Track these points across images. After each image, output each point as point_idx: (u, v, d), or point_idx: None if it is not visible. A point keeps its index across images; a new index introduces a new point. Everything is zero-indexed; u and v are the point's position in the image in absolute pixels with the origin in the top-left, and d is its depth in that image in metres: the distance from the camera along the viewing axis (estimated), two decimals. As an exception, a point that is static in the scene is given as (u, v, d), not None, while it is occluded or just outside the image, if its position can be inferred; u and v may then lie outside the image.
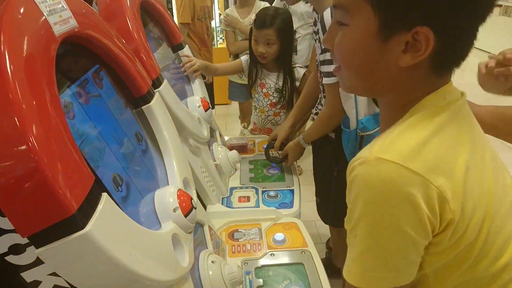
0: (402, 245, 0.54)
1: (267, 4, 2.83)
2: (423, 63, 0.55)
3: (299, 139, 1.55)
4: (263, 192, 1.38)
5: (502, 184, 0.63)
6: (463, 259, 0.58)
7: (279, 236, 1.15)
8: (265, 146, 1.70)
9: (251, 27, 1.77)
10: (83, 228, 0.51)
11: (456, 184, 0.53)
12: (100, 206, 0.56)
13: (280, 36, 1.71)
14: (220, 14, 5.09)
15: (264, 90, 1.87)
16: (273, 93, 1.86)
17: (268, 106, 1.88)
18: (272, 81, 1.85)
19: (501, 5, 6.02)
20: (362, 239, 0.56)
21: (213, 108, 3.02)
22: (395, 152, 0.52)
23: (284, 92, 1.83)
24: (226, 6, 5.10)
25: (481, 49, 6.57)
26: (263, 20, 1.71)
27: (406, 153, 0.52)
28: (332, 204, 1.61)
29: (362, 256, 0.56)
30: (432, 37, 0.52)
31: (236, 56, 2.92)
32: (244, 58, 1.90)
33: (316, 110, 1.59)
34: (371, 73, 0.59)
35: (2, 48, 0.53)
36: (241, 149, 1.70)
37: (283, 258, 1.09)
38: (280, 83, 1.83)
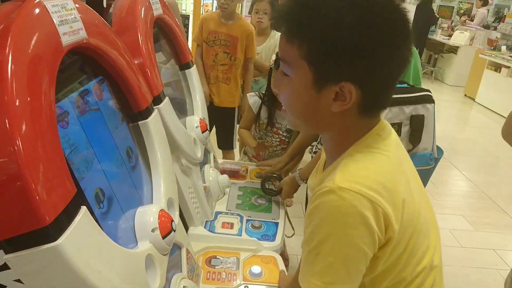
0: (358, 259, 0.66)
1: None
2: (352, 109, 0.68)
3: (295, 176, 1.55)
4: (247, 221, 1.37)
5: (424, 207, 0.77)
6: (394, 267, 0.71)
7: (256, 269, 1.14)
8: (257, 175, 1.70)
9: (271, 67, 1.78)
10: (55, 241, 0.51)
11: (397, 209, 0.66)
12: (76, 220, 0.56)
13: None
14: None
15: (274, 129, 1.87)
16: (283, 132, 1.87)
17: (278, 142, 1.89)
18: (283, 121, 1.85)
19: (508, 67, 6.13)
20: (324, 256, 0.66)
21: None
22: (353, 182, 0.65)
23: (293, 132, 1.84)
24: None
25: (487, 108, 6.64)
26: None
27: (362, 183, 0.64)
28: None
29: (324, 271, 0.67)
30: (355, 90, 0.65)
31: None
32: (252, 101, 1.90)
33: (315, 149, 1.60)
34: (310, 116, 0.72)
35: (6, 51, 0.54)
36: (233, 174, 1.70)
37: (257, 292, 1.08)
38: None
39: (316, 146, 1.63)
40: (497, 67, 6.40)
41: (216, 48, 2.67)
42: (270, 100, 1.84)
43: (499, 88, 6.24)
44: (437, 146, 1.69)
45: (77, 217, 0.56)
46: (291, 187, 1.56)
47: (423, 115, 1.50)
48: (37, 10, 0.61)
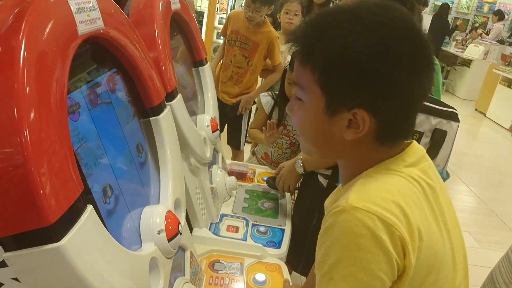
0: (373, 287, 0.60)
1: None
2: (367, 137, 0.64)
3: (296, 161, 1.47)
4: (253, 225, 1.34)
5: (455, 246, 0.70)
6: None
7: (260, 276, 1.10)
8: (265, 178, 1.67)
9: (285, 68, 1.73)
10: (58, 241, 0.48)
11: (413, 239, 0.60)
12: (82, 219, 0.53)
13: None
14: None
15: (285, 131, 1.84)
16: (294, 135, 1.82)
17: (287, 144, 1.85)
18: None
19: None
20: (337, 282, 0.60)
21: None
22: (369, 202, 0.59)
23: None
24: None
25: (498, 124, 6.53)
26: None
27: (378, 204, 0.59)
28: (305, 251, 1.49)
29: None
30: (368, 118, 0.61)
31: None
32: (264, 101, 1.86)
33: None
34: (322, 143, 0.69)
35: (20, 37, 0.51)
36: (240, 176, 1.66)
37: (260, 301, 1.04)
38: None
39: None
40: (510, 83, 6.33)
41: (235, 49, 2.60)
42: (282, 101, 1.80)
43: (511, 104, 6.16)
44: None
45: (82, 216, 0.53)
46: (291, 177, 1.50)
47: (446, 131, 1.46)
48: (54, -4, 0.58)
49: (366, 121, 0.61)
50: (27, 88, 0.49)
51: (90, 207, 0.55)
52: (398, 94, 0.61)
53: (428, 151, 1.57)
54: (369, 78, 0.59)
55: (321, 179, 1.47)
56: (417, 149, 0.70)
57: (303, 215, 1.55)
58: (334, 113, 0.63)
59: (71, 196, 0.52)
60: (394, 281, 0.61)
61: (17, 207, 0.47)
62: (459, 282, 0.71)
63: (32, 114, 0.49)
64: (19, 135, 0.47)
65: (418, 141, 1.42)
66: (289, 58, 1.75)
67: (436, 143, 1.46)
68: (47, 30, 0.55)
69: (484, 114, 6.73)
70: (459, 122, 1.49)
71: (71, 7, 0.61)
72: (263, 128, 1.75)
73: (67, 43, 0.59)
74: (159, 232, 0.77)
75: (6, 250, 0.48)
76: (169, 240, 0.78)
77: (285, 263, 1.19)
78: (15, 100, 0.48)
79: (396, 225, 0.58)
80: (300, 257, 1.52)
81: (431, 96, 1.53)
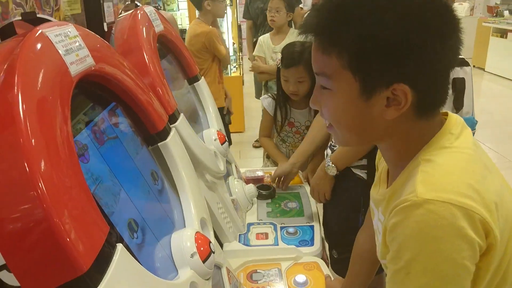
0: (460, 276, 0.57)
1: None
2: (408, 113, 0.62)
3: (325, 166, 1.37)
4: (281, 228, 1.32)
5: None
6: (491, 283, 0.62)
7: (301, 277, 1.08)
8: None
9: (278, 67, 1.72)
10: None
11: (492, 213, 0.58)
12: (115, 260, 0.52)
13: (311, 72, 1.61)
14: (233, 43, 5.15)
15: (294, 129, 1.81)
16: (303, 130, 1.79)
17: (299, 141, 1.82)
18: (302, 118, 1.79)
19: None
20: (416, 277, 0.58)
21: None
22: (439, 191, 0.57)
23: None
24: (239, 35, 5.14)
25: (499, 75, 6.42)
26: (290, 58, 1.64)
27: (450, 190, 0.57)
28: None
29: None
30: (409, 90, 0.59)
31: (266, 83, 2.85)
32: (266, 103, 1.85)
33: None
34: (361, 128, 0.66)
35: (15, 90, 0.50)
36: (258, 182, 1.64)
37: (305, 302, 1.02)
38: (311, 119, 1.75)
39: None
40: (502, 33, 6.27)
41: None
42: (283, 99, 1.79)
43: (508, 53, 6.09)
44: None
45: (114, 257, 0.52)
46: (325, 185, 1.40)
47: (463, 78, 1.45)
48: (40, 42, 0.57)
49: (408, 94, 0.59)
50: (33, 140, 0.48)
51: (120, 246, 0.54)
52: (433, 61, 0.60)
53: (455, 101, 1.53)
54: (403, 50, 0.58)
55: (357, 171, 1.37)
56: (456, 118, 0.69)
57: (345, 218, 1.42)
58: (371, 94, 0.61)
59: (99, 239, 0.50)
60: (476, 263, 0.59)
61: (47, 262, 0.46)
62: None
63: (43, 165, 0.48)
64: (35, 188, 0.46)
65: None
66: (279, 56, 1.73)
67: (460, 92, 1.45)
68: (40, 78, 0.54)
69: (483, 69, 6.66)
70: (470, 65, 1.48)
71: (59, 50, 0.60)
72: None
73: (63, 86, 0.58)
74: (192, 256, 0.75)
75: (45, 307, 0.47)
76: (203, 261, 0.76)
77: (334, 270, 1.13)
78: (23, 154, 0.47)
79: (474, 207, 0.56)
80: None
81: None
